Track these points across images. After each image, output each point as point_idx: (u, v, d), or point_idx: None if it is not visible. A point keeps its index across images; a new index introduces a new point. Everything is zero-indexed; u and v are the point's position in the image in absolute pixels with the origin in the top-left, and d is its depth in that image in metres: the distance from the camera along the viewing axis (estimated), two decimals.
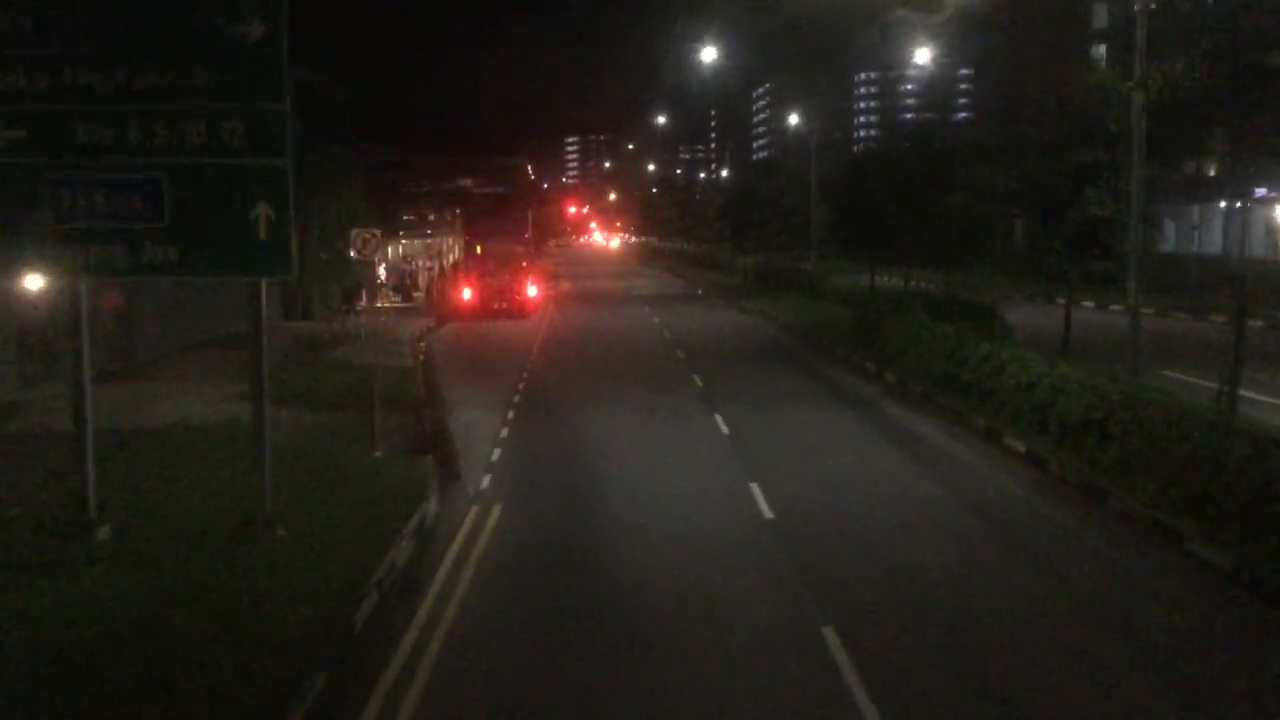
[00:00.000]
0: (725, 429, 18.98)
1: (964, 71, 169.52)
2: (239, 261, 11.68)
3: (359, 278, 46.32)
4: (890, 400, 21.87)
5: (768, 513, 13.59)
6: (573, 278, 72.92)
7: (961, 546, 12.31)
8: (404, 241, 54.87)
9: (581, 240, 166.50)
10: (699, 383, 24.44)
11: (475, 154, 57.60)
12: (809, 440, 18.06)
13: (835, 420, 19.88)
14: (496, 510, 13.97)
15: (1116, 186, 19.56)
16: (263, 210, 11.55)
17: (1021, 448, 16.26)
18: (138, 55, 11.35)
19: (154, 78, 11.35)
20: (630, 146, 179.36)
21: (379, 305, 46.94)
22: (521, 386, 24.41)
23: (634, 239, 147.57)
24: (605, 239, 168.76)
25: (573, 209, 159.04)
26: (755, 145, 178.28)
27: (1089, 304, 36.12)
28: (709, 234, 75.25)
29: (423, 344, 33.99)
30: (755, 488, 14.68)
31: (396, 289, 49.29)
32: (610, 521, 13.45)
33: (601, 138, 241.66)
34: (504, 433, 19.06)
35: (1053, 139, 19.44)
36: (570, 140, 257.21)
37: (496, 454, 17.34)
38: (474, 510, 14.00)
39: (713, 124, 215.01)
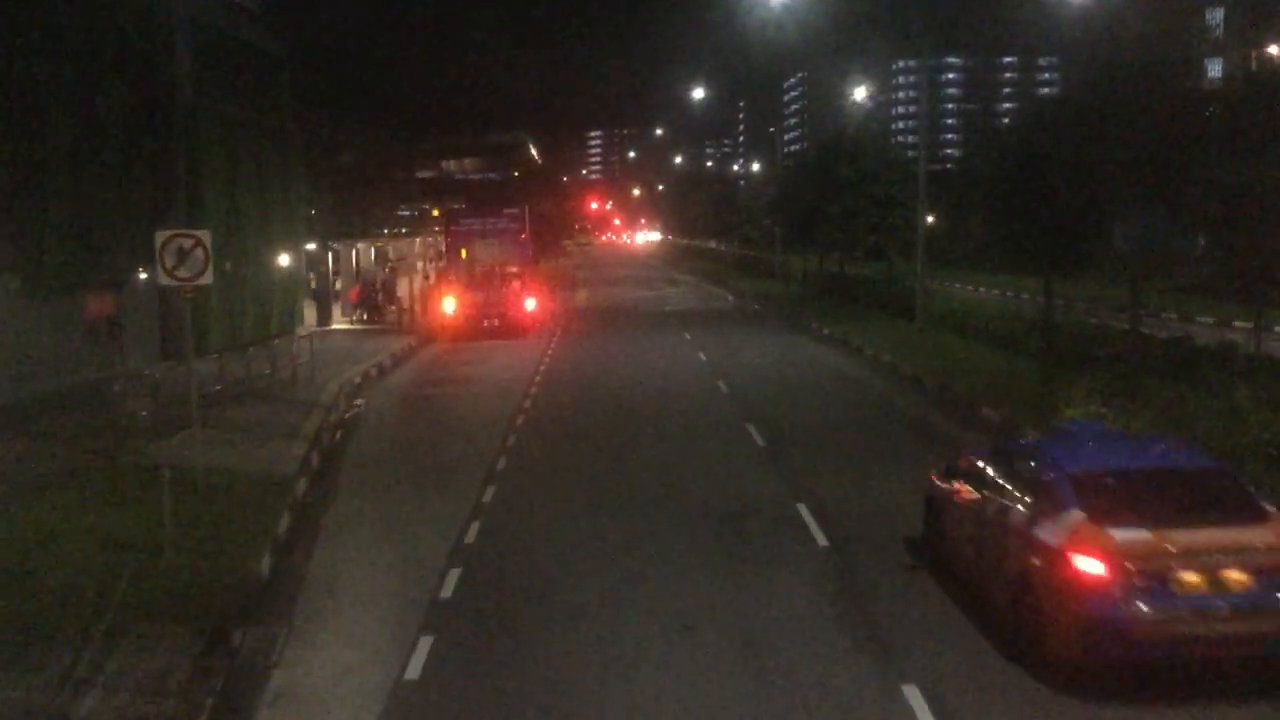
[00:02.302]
0: None
1: (1008, 59, 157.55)
2: None
3: (302, 291, 35.08)
4: None
5: None
6: (591, 284, 61.31)
7: None
8: (373, 245, 43.77)
9: (604, 239, 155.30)
10: (818, 534, 12.23)
11: (464, 133, 45.43)
12: None
13: None
14: None
15: None
16: None
17: None
18: None
19: None
20: (659, 132, 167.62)
21: (330, 328, 35.88)
22: (475, 529, 12.76)
23: (664, 237, 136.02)
24: (629, 237, 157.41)
25: (594, 205, 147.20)
26: (787, 138, 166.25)
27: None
28: (756, 233, 62.99)
29: (359, 402, 22.25)
30: None
31: (361, 305, 38.57)
32: None
33: (625, 131, 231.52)
34: None
35: None
36: (593, 134, 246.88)
37: None
38: None
39: (740, 116, 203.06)
